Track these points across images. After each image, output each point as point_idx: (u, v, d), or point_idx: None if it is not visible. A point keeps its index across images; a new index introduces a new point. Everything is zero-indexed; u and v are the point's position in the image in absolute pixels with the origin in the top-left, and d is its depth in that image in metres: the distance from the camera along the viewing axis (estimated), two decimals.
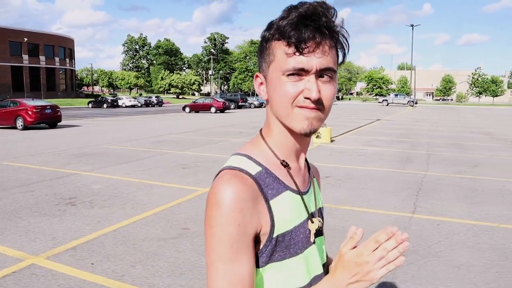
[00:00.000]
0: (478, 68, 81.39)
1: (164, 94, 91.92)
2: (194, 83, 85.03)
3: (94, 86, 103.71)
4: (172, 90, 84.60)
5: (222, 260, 0.78)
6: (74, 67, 70.00)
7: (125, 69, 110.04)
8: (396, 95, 60.09)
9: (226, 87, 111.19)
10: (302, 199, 0.90)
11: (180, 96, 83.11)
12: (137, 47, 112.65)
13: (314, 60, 0.80)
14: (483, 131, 19.73)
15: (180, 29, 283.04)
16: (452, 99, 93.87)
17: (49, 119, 19.84)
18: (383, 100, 59.50)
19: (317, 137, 13.64)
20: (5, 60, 52.87)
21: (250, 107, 49.29)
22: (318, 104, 0.82)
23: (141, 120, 26.39)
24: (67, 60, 64.34)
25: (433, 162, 10.31)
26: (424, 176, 8.52)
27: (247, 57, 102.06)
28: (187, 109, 36.90)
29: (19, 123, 19.05)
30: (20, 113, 19.07)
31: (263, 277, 0.85)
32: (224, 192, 0.78)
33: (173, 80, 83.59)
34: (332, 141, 14.14)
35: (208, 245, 0.79)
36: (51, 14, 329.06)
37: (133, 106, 49.45)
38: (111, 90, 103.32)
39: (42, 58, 58.38)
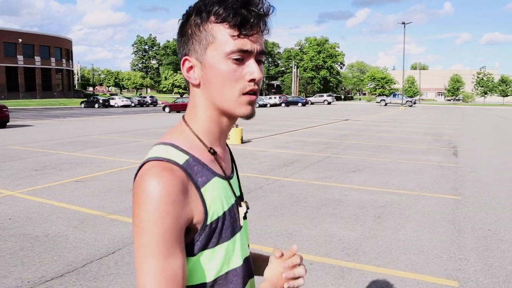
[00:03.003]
0: (483, 67, 78.26)
1: (172, 94, 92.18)
2: None
3: (100, 86, 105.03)
4: (175, 90, 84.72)
5: (155, 255, 0.76)
6: (72, 67, 70.67)
7: (134, 69, 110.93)
8: (394, 95, 58.29)
9: None
10: (229, 184, 0.91)
11: (185, 96, 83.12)
12: (146, 47, 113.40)
13: (256, 43, 0.83)
14: (436, 133, 18.48)
15: None
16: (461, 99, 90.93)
17: None
18: (381, 100, 57.88)
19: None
20: None
21: None
22: (258, 86, 0.86)
23: (107, 120, 26.08)
24: (64, 60, 64.84)
25: (318, 166, 9.43)
26: (273, 182, 7.70)
27: None
28: (167, 109, 36.49)
29: None
30: None
31: (197, 265, 0.84)
32: (155, 186, 0.76)
33: (176, 80, 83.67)
34: (243, 142, 13.33)
35: (138, 241, 0.77)
36: (73, 15, 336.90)
37: (126, 106, 49.41)
38: (117, 90, 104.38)
39: (37, 58, 58.97)
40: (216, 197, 0.85)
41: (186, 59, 0.87)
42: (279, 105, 54.01)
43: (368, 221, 5.44)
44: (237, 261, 0.90)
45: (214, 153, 0.89)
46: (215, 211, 0.84)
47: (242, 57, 0.83)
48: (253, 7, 0.82)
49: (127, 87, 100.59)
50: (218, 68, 0.83)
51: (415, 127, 21.36)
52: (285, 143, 13.75)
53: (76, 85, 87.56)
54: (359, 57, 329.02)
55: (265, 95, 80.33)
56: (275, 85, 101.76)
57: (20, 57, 56.52)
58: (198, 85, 0.87)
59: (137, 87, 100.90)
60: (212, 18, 0.82)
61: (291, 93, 79.65)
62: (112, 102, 48.97)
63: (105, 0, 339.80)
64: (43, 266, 4.10)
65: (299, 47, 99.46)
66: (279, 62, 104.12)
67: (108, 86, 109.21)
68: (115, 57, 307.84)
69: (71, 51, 69.18)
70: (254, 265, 1.03)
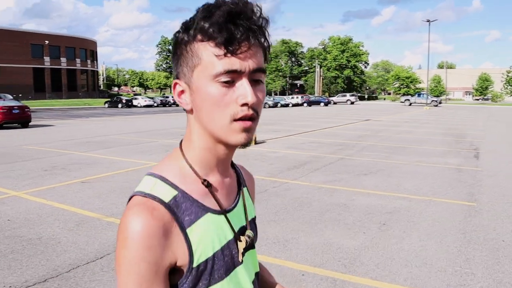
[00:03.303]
0: None
1: None
2: None
3: (125, 86, 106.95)
4: None
5: None
6: (97, 68, 72.04)
7: (158, 70, 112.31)
8: (419, 94, 56.82)
9: None
10: (227, 218, 0.83)
11: None
12: (170, 47, 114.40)
13: (247, 61, 0.75)
14: (459, 134, 17.75)
15: None
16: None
17: (17, 119, 20.07)
18: (405, 100, 56.51)
19: None
20: (27, 62, 55.14)
21: (264, 107, 48.30)
22: (254, 111, 0.76)
23: (128, 120, 26.35)
24: (89, 61, 66.16)
25: (328, 168, 9.14)
26: (279, 185, 7.47)
27: (278, 57, 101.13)
28: None
29: None
30: None
31: None
32: (133, 228, 0.72)
33: None
34: (257, 143, 13.11)
35: (118, 283, 0.75)
36: (100, 17, 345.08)
37: (148, 106, 49.94)
38: (142, 90, 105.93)
39: (63, 59, 60.37)
40: (205, 237, 0.79)
41: (176, 83, 0.81)
42: (301, 105, 53.65)
43: (372, 229, 5.15)
44: None
45: (208, 185, 0.82)
46: (203, 252, 0.78)
47: (231, 78, 0.74)
48: (242, 20, 0.73)
49: (151, 87, 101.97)
50: (205, 93, 0.75)
51: (437, 128, 20.65)
52: (299, 144, 13.47)
53: (101, 85, 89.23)
54: (384, 56, 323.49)
55: (288, 94, 79.91)
56: (298, 84, 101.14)
57: (46, 59, 58.03)
58: (191, 111, 0.81)
59: (161, 87, 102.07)
60: (199, 36, 0.75)
61: (314, 93, 78.97)
62: (135, 102, 49.57)
63: (131, 2, 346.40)
64: (29, 270, 4.02)
65: (323, 46, 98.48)
66: (302, 61, 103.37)
67: (133, 86, 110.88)
68: (140, 57, 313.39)
69: (96, 52, 70.56)
70: None
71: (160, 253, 0.74)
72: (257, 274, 0.93)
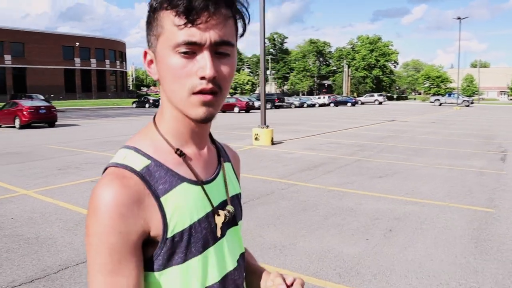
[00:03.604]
0: None
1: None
2: (247, 83, 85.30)
3: (154, 87, 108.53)
4: None
5: (102, 272, 0.70)
6: (125, 69, 73.31)
7: None
8: (449, 94, 54.92)
9: (286, 87, 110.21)
10: (204, 190, 0.80)
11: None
12: None
13: (208, 32, 0.71)
14: (487, 135, 16.90)
15: (253, 30, 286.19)
16: None
17: (44, 119, 20.63)
18: (435, 100, 54.73)
19: (256, 139, 12.52)
20: (58, 64, 56.77)
21: (290, 107, 48.01)
22: (215, 85, 0.73)
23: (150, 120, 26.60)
24: (118, 62, 67.45)
25: (343, 170, 8.83)
26: (288, 187, 7.26)
27: (306, 57, 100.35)
28: None
29: (17, 122, 20.02)
30: (17, 113, 20.02)
31: (161, 282, 0.75)
32: (103, 197, 0.70)
33: None
34: (274, 143, 12.89)
35: (87, 255, 0.72)
36: (131, 19, 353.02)
37: None
38: None
39: (93, 61, 61.81)
40: (182, 206, 0.76)
41: (145, 52, 0.81)
42: (328, 105, 53.05)
43: (377, 235, 4.87)
44: (212, 279, 0.79)
45: (181, 154, 0.79)
46: (178, 222, 0.75)
47: (191, 50, 0.71)
48: None
49: None
50: (166, 64, 0.74)
51: (465, 129, 19.81)
52: (318, 144, 13.18)
53: (130, 86, 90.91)
54: (415, 55, 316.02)
55: (316, 94, 79.24)
56: (326, 84, 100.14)
57: (77, 60, 59.56)
58: (159, 81, 0.79)
59: None
60: (164, 3, 0.73)
61: (342, 93, 77.94)
62: None
63: None
64: (19, 269, 4.00)
65: (351, 46, 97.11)
66: (330, 61, 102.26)
67: None
68: None
69: (125, 53, 71.87)
70: (246, 279, 0.95)
71: (132, 222, 0.71)
72: (242, 255, 0.89)
